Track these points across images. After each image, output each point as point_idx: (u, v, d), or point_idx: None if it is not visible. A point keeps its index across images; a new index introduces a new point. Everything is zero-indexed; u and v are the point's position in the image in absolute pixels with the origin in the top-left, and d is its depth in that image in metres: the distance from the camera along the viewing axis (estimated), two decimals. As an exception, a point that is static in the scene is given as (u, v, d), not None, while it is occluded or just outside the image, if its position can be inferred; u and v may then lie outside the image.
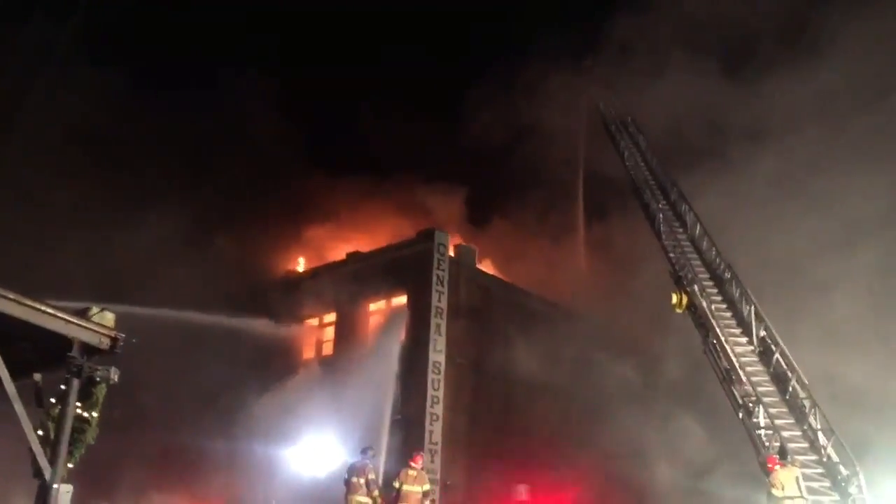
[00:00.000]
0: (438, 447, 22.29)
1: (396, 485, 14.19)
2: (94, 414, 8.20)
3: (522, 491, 22.52)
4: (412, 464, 14.46)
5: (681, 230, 20.08)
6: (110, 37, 33.93)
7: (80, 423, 8.05)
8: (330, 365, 25.10)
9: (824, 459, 13.93)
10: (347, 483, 14.64)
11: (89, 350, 8.10)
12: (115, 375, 7.97)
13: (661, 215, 20.32)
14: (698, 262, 18.89)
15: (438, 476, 21.71)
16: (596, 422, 23.61)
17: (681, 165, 22.62)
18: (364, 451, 15.21)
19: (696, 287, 17.42)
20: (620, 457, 22.74)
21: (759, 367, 15.95)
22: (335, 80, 36.81)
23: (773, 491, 12.56)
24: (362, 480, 14.59)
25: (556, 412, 23.71)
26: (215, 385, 25.08)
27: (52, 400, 8.12)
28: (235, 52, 36.61)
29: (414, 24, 46.57)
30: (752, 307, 16.72)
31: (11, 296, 7.57)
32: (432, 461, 21.70)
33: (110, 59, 32.44)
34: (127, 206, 28.36)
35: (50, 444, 7.76)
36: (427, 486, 14.42)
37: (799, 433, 14.53)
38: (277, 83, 35.06)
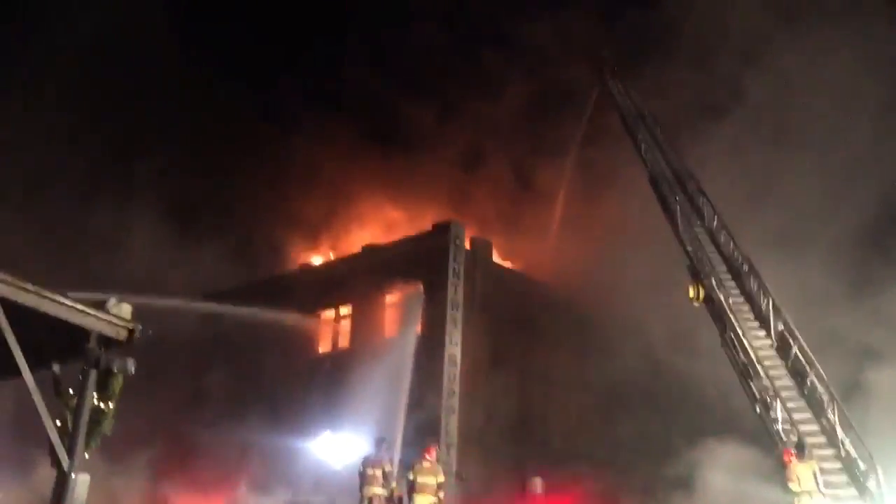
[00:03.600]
0: (454, 440, 22.31)
1: (411, 476, 14.25)
2: (111, 405, 8.29)
3: (538, 485, 22.44)
4: (426, 455, 14.49)
5: (698, 223, 19.97)
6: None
7: (97, 414, 8.15)
8: (346, 357, 25.19)
9: (842, 454, 13.80)
10: (363, 475, 14.71)
11: (107, 341, 8.18)
12: (131, 366, 8.03)
13: (678, 208, 20.19)
14: (716, 255, 18.77)
15: (454, 469, 21.73)
16: (614, 415, 23.54)
17: (698, 157, 22.46)
18: (378, 443, 15.26)
19: (713, 280, 17.28)
20: (638, 451, 22.65)
21: (778, 362, 15.80)
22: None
23: (790, 485, 12.47)
24: (378, 472, 14.66)
25: (572, 405, 23.68)
26: (232, 377, 25.30)
27: (70, 391, 8.21)
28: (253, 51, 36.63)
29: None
30: (770, 300, 16.58)
31: (31, 287, 7.66)
32: (448, 454, 21.72)
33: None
34: (141, 198, 28.62)
35: (68, 435, 7.85)
36: (441, 478, 14.44)
37: (817, 427, 14.39)
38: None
